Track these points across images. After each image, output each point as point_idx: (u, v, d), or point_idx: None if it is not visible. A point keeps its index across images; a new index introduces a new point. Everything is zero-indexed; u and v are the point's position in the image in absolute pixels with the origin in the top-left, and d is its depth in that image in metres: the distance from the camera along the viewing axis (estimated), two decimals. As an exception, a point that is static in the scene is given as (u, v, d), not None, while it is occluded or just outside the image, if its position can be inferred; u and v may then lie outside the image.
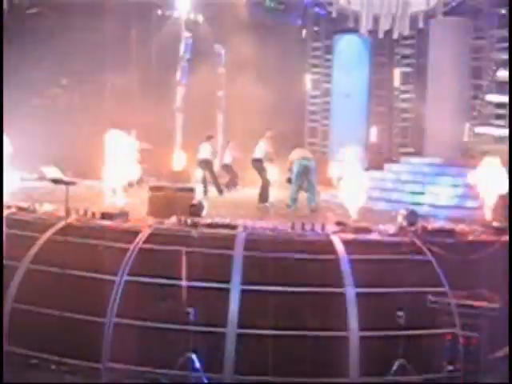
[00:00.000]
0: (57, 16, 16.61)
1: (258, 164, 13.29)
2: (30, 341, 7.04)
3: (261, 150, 13.36)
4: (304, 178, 12.21)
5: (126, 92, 17.52)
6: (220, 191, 14.92)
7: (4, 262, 7.49)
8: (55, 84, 18.44)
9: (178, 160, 16.65)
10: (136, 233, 7.73)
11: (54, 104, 18.16)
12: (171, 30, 18.70)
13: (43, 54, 16.32)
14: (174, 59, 18.90)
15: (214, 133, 17.18)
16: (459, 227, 8.58)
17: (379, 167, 15.65)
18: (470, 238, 8.18)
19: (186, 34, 19.14)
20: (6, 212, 8.66)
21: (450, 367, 6.74)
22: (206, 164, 15.04)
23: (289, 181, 12.57)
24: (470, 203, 11.88)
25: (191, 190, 10.43)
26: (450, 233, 8.23)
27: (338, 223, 8.59)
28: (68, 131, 16.30)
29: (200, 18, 19.10)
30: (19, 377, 6.85)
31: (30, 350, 7.02)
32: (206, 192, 14.47)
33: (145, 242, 7.55)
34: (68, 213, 8.46)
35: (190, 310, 6.65)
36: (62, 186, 9.10)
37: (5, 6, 16.16)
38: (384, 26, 13.82)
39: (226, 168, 16.37)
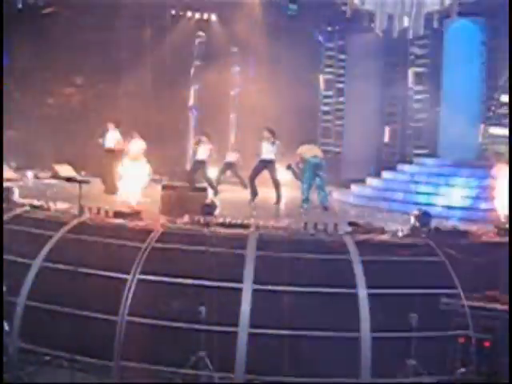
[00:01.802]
0: (71, 16, 16.68)
1: (270, 165, 13.23)
2: (43, 338, 7.07)
3: (269, 150, 13.29)
4: (315, 176, 12.21)
5: (139, 91, 17.58)
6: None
7: (18, 259, 7.56)
8: (69, 84, 18.52)
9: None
10: (149, 231, 7.76)
11: (68, 103, 18.24)
12: (185, 29, 18.75)
13: (57, 53, 16.41)
14: (188, 59, 18.95)
15: (227, 132, 17.17)
16: (473, 228, 8.53)
17: (392, 168, 15.60)
18: (484, 239, 8.13)
19: (199, 34, 19.20)
20: (20, 210, 8.74)
21: (463, 369, 6.70)
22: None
23: (289, 167, 12.65)
24: (483, 205, 11.81)
25: (204, 189, 10.45)
26: (463, 234, 8.20)
27: (351, 224, 8.57)
28: (82, 130, 16.40)
29: (213, 18, 19.13)
30: (31, 374, 6.93)
31: (43, 347, 7.07)
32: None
33: (157, 240, 7.57)
34: (81, 211, 8.52)
35: (202, 308, 6.66)
36: (76, 185, 9.17)
37: (19, 5, 16.27)
38: (398, 25, 13.74)
39: (230, 166, 16.12)
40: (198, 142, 14.68)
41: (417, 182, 14.00)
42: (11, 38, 15.21)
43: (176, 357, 6.73)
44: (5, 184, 9.72)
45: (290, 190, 14.45)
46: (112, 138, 13.81)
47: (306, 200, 12.17)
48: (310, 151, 12.48)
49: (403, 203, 12.79)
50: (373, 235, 8.04)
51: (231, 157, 16.12)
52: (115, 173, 13.71)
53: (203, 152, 14.66)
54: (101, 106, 15.89)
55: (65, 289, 7.14)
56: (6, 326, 7.07)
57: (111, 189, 13.22)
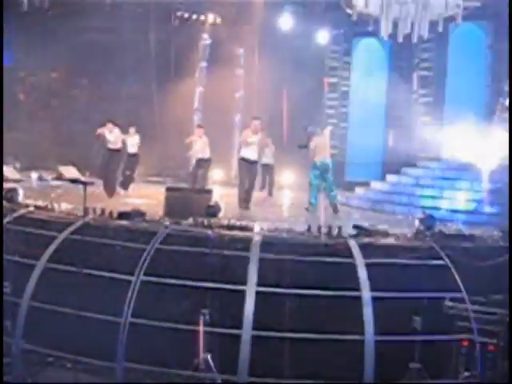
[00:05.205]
0: (76, 18, 16.71)
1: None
2: (47, 339, 7.08)
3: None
4: (323, 179, 12.11)
5: (143, 93, 17.61)
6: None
7: (22, 260, 7.58)
8: (74, 85, 18.56)
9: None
10: (153, 233, 7.76)
11: (72, 105, 18.27)
12: (190, 31, 18.77)
13: (62, 55, 16.45)
14: (193, 61, 18.96)
15: (231, 134, 17.15)
16: (477, 232, 8.52)
17: (397, 171, 15.58)
18: (489, 242, 8.11)
19: (204, 36, 19.21)
20: (24, 211, 8.75)
21: (467, 373, 6.68)
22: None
23: (301, 146, 12.69)
24: (488, 208, 11.80)
25: (208, 191, 10.45)
26: (467, 237, 8.18)
27: (355, 226, 8.56)
28: (86, 131, 16.44)
29: (218, 20, 19.14)
30: (35, 374, 6.94)
31: (47, 348, 7.08)
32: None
33: (161, 242, 7.58)
34: (85, 212, 8.53)
35: (206, 311, 6.65)
36: (80, 186, 9.20)
37: (25, 7, 16.30)
38: (403, 29, 13.73)
39: (267, 168, 15.41)
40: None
41: (421, 186, 13.98)
42: (17, 39, 15.28)
43: (179, 358, 6.72)
44: (9, 185, 9.74)
45: (295, 191, 14.45)
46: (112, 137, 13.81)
47: (314, 205, 12.03)
48: (318, 154, 12.24)
49: (408, 206, 12.78)
50: (377, 238, 8.03)
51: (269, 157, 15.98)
52: (116, 174, 13.68)
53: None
54: (105, 108, 15.89)
55: (68, 290, 7.16)
56: (8, 327, 7.11)
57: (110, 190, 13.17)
